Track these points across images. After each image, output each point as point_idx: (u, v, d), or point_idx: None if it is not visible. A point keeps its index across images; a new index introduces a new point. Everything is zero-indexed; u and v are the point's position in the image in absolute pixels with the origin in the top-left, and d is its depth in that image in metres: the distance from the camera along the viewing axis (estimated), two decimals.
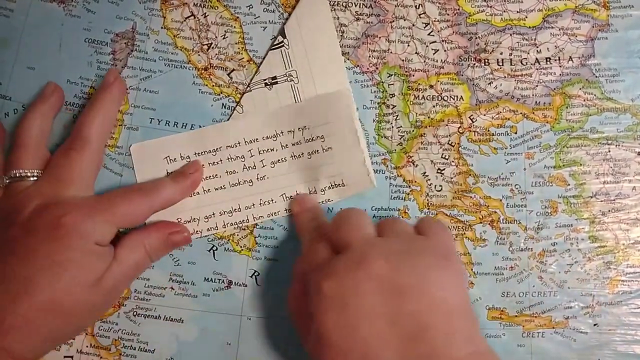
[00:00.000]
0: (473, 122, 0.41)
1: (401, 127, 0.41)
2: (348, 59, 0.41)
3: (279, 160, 0.40)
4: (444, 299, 0.29)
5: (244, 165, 0.40)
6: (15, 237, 0.34)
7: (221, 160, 0.40)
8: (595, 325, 0.38)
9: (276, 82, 0.40)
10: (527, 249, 0.39)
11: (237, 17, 0.42)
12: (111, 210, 0.35)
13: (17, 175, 0.36)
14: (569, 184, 0.40)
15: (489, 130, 0.40)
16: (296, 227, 0.39)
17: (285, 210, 0.39)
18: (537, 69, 0.41)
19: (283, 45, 0.40)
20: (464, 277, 0.31)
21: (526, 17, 0.42)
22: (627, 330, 0.38)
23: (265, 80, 0.40)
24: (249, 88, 0.40)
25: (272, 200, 0.39)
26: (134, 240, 0.36)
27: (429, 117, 0.41)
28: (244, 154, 0.40)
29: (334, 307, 0.29)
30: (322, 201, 0.39)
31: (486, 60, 0.41)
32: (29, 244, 0.33)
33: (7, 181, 0.36)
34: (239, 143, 0.40)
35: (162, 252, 0.38)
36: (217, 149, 0.40)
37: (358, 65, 0.41)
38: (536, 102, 0.41)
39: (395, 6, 0.42)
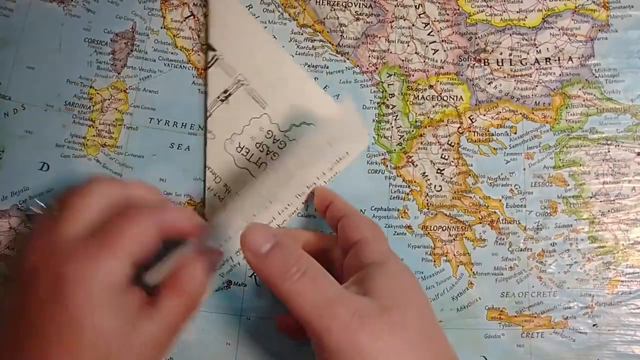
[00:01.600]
0: (473, 122, 0.41)
1: (401, 127, 0.41)
2: (348, 59, 0.41)
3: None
4: None
5: None
6: (22, 307, 0.28)
7: None
8: (594, 325, 0.38)
9: (230, 94, 0.40)
10: (527, 249, 0.39)
11: None
12: (118, 240, 0.28)
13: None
14: (568, 184, 0.40)
15: (488, 131, 0.40)
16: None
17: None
18: (536, 69, 0.41)
19: (217, 58, 0.40)
20: None
21: (526, 17, 0.42)
22: (626, 330, 0.38)
23: (219, 97, 0.40)
24: (209, 114, 0.40)
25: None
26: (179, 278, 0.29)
27: (428, 117, 0.41)
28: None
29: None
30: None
31: (486, 61, 0.41)
32: (36, 318, 0.27)
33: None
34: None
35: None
36: None
37: (358, 65, 0.41)
38: (536, 102, 0.41)
39: (395, 6, 0.42)
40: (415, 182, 0.40)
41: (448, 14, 0.42)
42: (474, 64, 0.41)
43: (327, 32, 0.42)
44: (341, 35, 0.41)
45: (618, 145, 0.40)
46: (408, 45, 0.42)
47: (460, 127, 0.41)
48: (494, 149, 0.40)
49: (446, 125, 0.41)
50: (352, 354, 0.25)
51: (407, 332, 0.27)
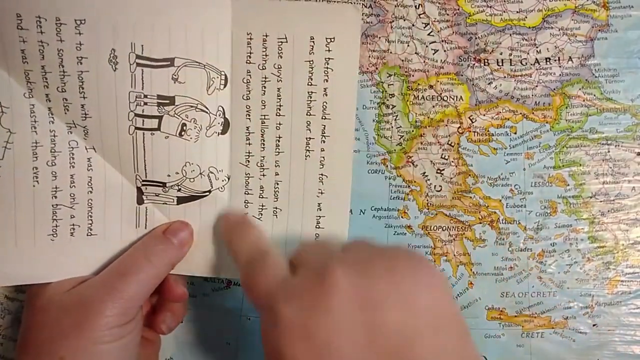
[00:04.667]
0: (473, 122, 0.41)
1: (401, 127, 0.41)
2: None
3: None
4: (429, 307, 0.25)
5: None
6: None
7: None
8: (594, 325, 0.38)
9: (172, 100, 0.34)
10: (527, 249, 0.39)
11: None
12: (119, 295, 0.31)
13: None
14: (568, 184, 0.40)
15: (488, 131, 0.41)
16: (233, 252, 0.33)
17: None
18: (536, 69, 0.41)
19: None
20: (446, 282, 0.27)
21: (526, 17, 0.42)
22: (626, 330, 0.38)
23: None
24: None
25: None
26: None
27: (428, 117, 0.41)
28: None
29: (299, 335, 0.24)
30: None
31: (486, 61, 0.41)
32: None
33: None
34: None
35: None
36: None
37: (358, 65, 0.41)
38: (536, 102, 0.41)
39: (395, 6, 0.42)
40: (415, 182, 0.40)
41: (448, 14, 0.42)
42: (474, 64, 0.41)
43: None
44: None
45: (618, 145, 0.40)
46: (408, 46, 0.42)
47: (460, 127, 0.41)
48: (494, 149, 0.40)
49: (446, 125, 0.41)
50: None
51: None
